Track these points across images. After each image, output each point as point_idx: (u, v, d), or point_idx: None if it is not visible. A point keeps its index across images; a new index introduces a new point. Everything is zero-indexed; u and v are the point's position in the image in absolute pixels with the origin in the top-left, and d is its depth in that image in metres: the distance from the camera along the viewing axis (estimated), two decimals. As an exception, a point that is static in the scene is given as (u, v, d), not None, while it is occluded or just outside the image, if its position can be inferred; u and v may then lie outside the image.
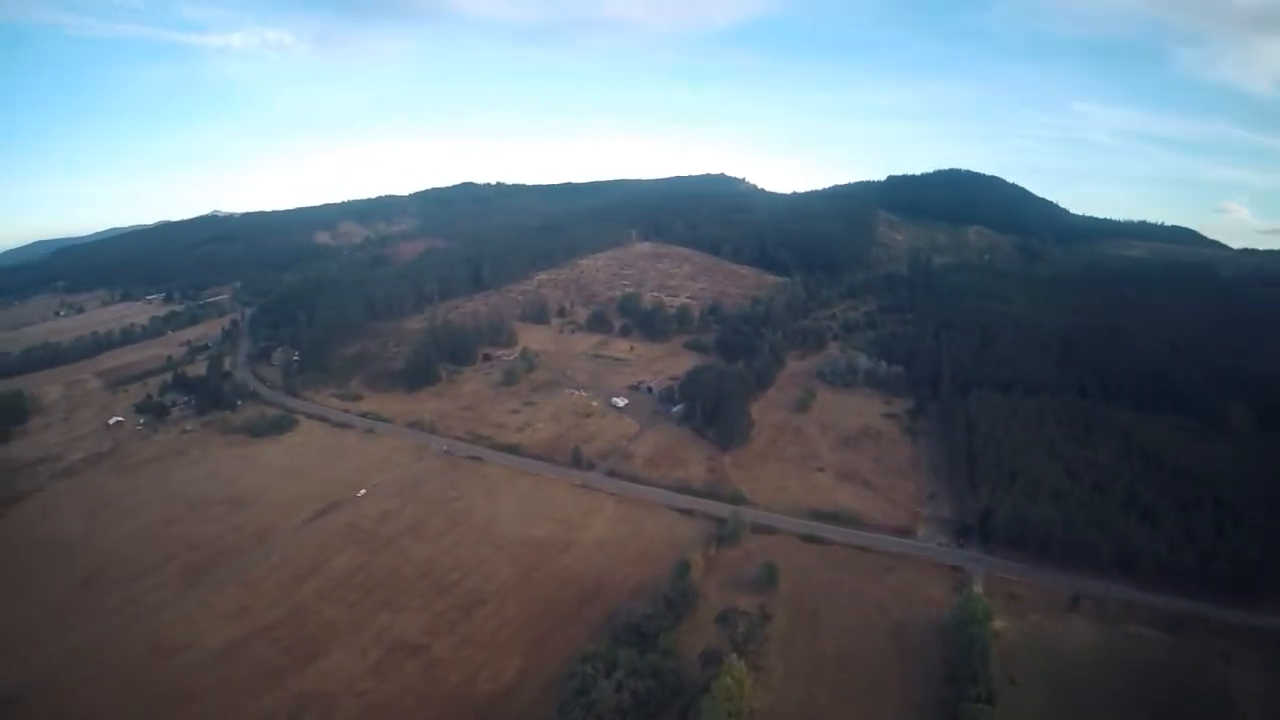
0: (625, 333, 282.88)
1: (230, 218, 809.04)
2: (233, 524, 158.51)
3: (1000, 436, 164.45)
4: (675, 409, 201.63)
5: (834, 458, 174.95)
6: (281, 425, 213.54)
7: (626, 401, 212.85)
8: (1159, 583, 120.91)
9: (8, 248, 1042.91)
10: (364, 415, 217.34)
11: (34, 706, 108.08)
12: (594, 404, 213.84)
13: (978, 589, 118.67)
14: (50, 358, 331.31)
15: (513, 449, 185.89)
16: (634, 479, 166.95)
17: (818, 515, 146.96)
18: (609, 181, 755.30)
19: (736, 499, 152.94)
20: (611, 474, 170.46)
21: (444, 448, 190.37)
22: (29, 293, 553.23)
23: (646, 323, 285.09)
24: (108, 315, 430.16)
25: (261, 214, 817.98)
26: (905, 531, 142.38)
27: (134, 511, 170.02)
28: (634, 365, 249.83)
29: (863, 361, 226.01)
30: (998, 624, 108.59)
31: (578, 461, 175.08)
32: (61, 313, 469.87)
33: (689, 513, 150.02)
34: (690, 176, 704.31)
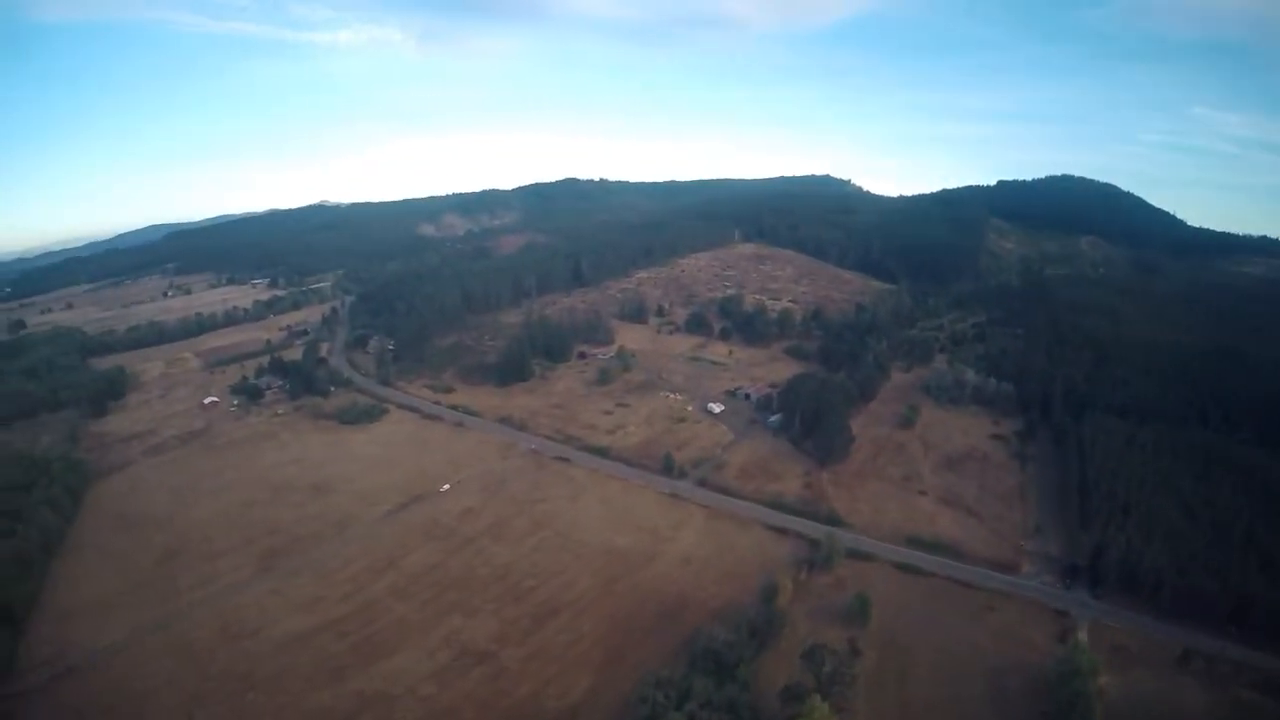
0: (725, 336, 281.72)
1: (338, 208, 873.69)
2: (314, 511, 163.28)
3: (1114, 467, 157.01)
4: (773, 418, 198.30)
5: (936, 480, 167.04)
6: (372, 414, 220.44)
7: (723, 408, 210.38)
8: (1277, 642, 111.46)
9: (124, 230, 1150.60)
10: (454, 408, 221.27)
11: (98, 677, 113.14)
12: (689, 409, 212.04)
13: (1083, 638, 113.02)
14: (155, 336, 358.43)
15: (602, 451, 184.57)
16: (726, 491, 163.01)
17: (916, 542, 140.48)
18: (712, 180, 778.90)
19: (832, 520, 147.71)
20: (703, 484, 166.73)
21: (532, 446, 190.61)
22: (141, 273, 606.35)
23: (747, 326, 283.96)
24: (213, 297, 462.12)
25: (368, 205, 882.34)
26: (1008, 567, 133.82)
27: (219, 492, 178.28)
28: (732, 370, 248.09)
29: (971, 377, 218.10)
30: (1102, 679, 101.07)
31: (669, 469, 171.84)
32: (170, 293, 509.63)
33: (781, 531, 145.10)
34: (794, 177, 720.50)
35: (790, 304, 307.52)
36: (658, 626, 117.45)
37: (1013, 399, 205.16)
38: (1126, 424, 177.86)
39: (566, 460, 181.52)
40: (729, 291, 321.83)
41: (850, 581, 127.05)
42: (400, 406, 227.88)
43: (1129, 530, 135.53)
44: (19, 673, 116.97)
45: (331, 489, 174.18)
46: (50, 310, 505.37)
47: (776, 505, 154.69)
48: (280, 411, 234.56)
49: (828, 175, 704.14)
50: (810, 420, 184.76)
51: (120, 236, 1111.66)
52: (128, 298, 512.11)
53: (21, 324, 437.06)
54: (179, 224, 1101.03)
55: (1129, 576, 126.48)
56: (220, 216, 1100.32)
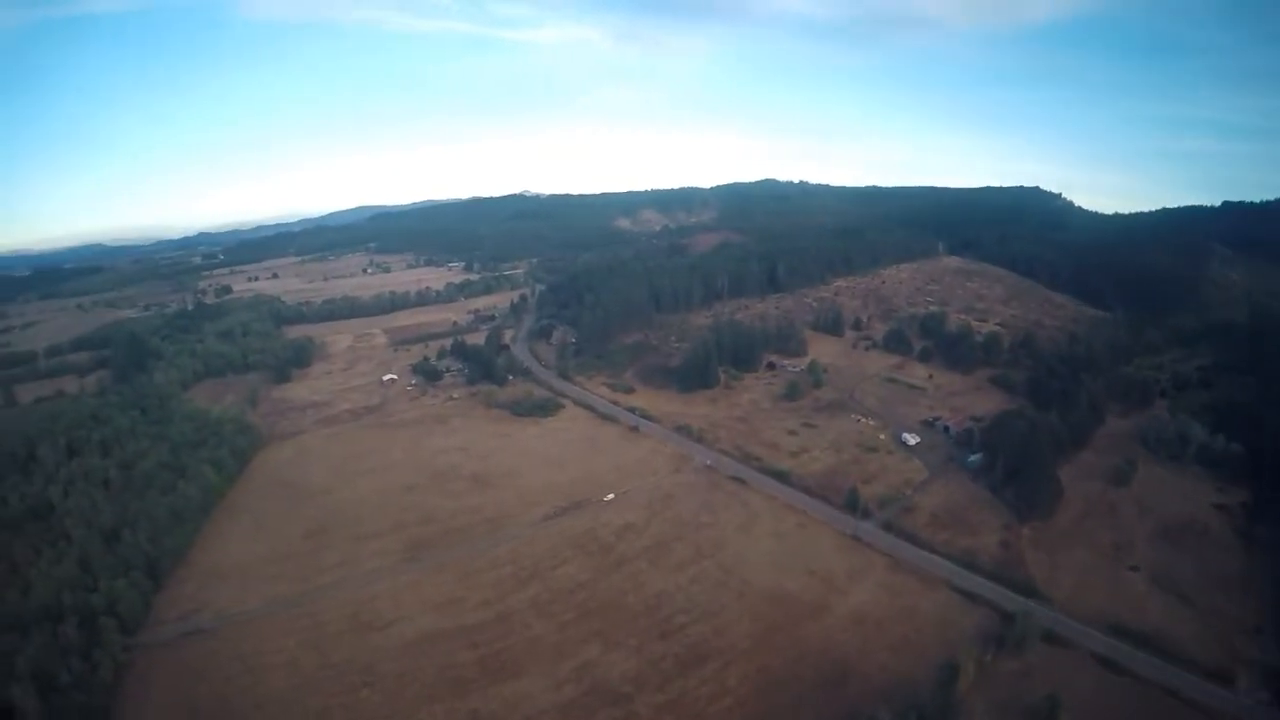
0: (925, 357, 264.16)
1: (537, 198, 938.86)
2: (471, 504, 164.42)
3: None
4: (973, 458, 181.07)
5: (1150, 553, 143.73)
6: (546, 408, 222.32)
7: (918, 439, 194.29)
8: None
9: (334, 210, 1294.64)
10: (631, 410, 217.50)
11: (223, 644, 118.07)
12: (881, 436, 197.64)
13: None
14: (347, 310, 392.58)
15: (782, 476, 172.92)
16: (913, 539, 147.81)
17: (1121, 632, 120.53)
18: (914, 187, 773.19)
19: (1028, 590, 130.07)
20: (888, 528, 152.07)
21: (707, 461, 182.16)
22: (345, 250, 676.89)
23: (950, 348, 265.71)
24: (409, 277, 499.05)
25: (567, 196, 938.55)
26: (1221, 675, 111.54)
27: (381, 471, 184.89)
28: (930, 396, 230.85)
29: (1197, 431, 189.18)
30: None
31: (852, 505, 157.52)
32: (369, 270, 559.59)
33: (970, 597, 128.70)
34: (1001, 187, 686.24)
35: (997, 327, 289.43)
36: (814, 696, 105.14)
37: (1243, 462, 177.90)
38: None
39: (742, 482, 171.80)
40: (932, 308, 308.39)
41: (1041, 672, 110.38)
42: (576, 403, 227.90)
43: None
44: (151, 625, 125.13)
45: (492, 483, 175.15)
46: (256, 279, 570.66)
47: (968, 564, 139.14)
48: (455, 396, 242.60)
49: (1037, 187, 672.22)
50: (1014, 465, 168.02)
51: (330, 215, 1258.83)
52: (329, 272, 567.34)
53: (228, 289, 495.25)
54: (385, 206, 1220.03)
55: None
56: (425, 202, 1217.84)
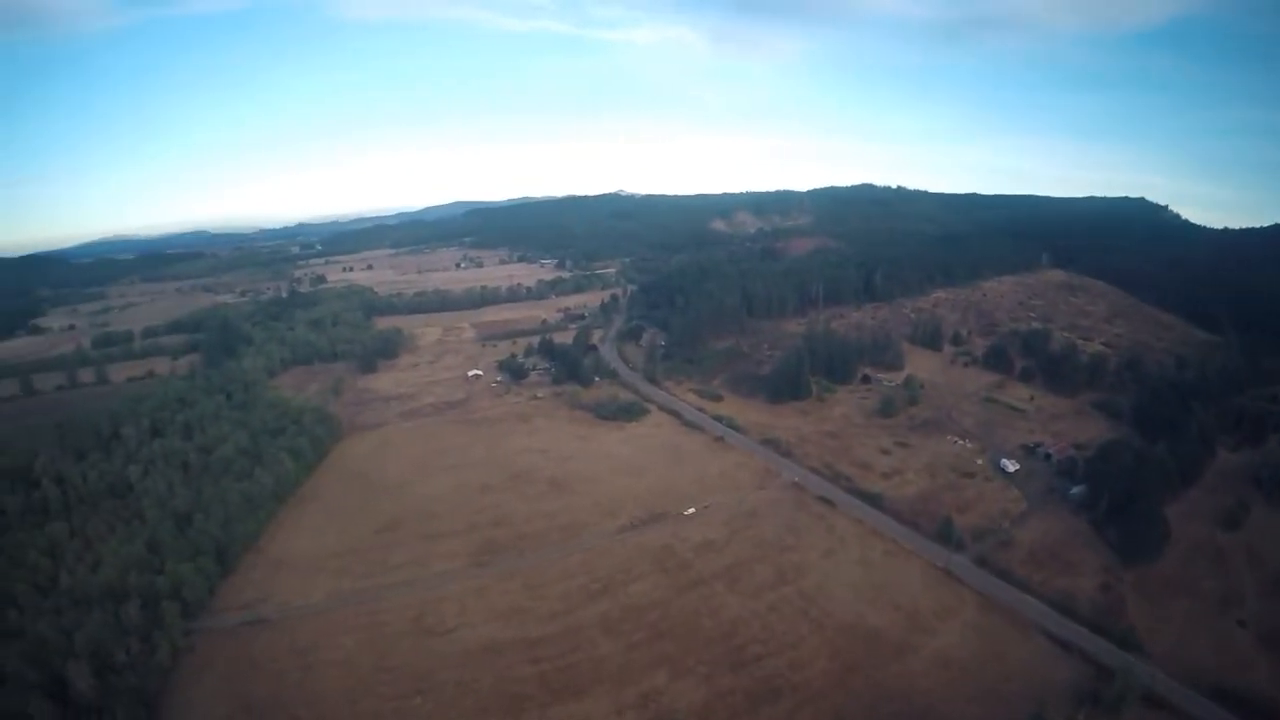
0: (1026, 376, 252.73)
1: (632, 197, 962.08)
2: (547, 509, 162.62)
3: None
4: (1075, 490, 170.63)
5: (1261, 608, 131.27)
6: (631, 412, 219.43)
7: (1017, 467, 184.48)
8: None
9: (431, 204, 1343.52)
10: (718, 419, 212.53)
11: (282, 636, 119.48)
12: (979, 461, 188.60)
13: None
14: (438, 304, 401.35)
15: (873, 499, 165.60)
16: (1007, 576, 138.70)
17: (1224, 696, 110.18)
18: (1015, 196, 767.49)
19: (1128, 641, 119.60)
20: (982, 562, 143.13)
21: (794, 478, 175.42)
22: (440, 244, 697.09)
23: (1053, 368, 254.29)
24: (501, 273, 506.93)
25: (662, 197, 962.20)
26: None
27: (458, 469, 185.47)
28: (1031, 419, 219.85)
29: None
30: None
31: (945, 535, 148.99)
32: (462, 265, 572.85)
33: (1064, 645, 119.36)
34: (1104, 198, 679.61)
35: (1102, 346, 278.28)
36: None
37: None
38: None
39: (830, 503, 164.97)
40: (1034, 324, 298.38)
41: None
42: (661, 408, 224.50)
43: None
44: (214, 610, 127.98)
45: (571, 488, 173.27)
46: (351, 269, 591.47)
47: (1065, 608, 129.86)
48: (539, 395, 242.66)
49: (1142, 198, 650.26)
50: (1119, 501, 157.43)
51: (427, 209, 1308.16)
52: (423, 265, 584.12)
53: (322, 279, 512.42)
54: (482, 202, 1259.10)
55: None
56: (521, 198, 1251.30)
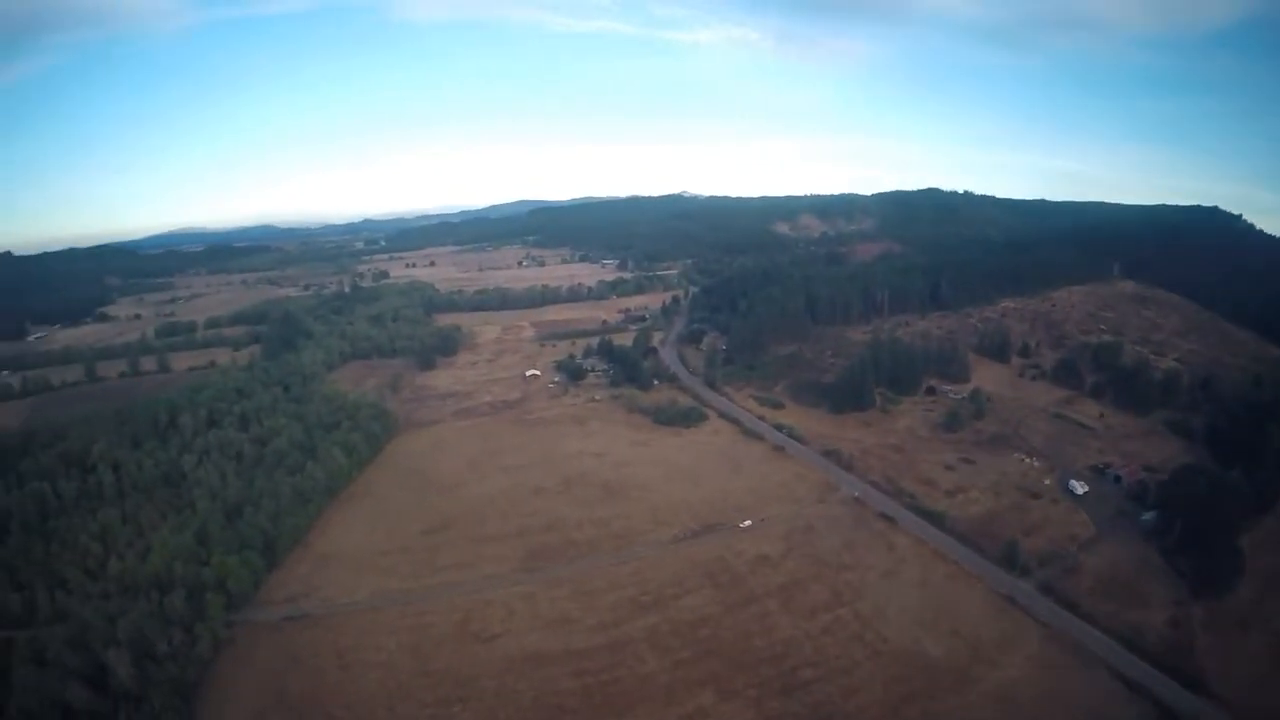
0: (1097, 392, 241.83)
1: (695, 199, 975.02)
2: (599, 516, 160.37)
3: None
4: (1146, 516, 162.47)
5: None
6: (689, 417, 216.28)
7: (1086, 489, 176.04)
8: None
9: (495, 203, 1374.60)
10: (778, 428, 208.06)
11: (324, 634, 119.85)
12: (1046, 481, 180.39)
13: None
14: (498, 302, 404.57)
15: (936, 518, 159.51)
16: (1074, 606, 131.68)
17: None
18: (1084, 202, 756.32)
19: (1196, 683, 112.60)
20: (1047, 590, 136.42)
21: (855, 493, 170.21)
22: (502, 242, 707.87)
23: (1125, 384, 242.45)
24: (562, 272, 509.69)
25: (725, 198, 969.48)
26: None
27: (511, 470, 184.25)
28: (1101, 438, 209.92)
29: None
30: None
31: (1010, 560, 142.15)
32: (524, 263, 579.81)
33: (1130, 684, 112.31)
34: (1175, 206, 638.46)
35: (1175, 362, 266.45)
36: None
37: None
38: None
39: (891, 520, 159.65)
40: (1105, 337, 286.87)
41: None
42: (720, 415, 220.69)
43: None
44: (258, 603, 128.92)
45: (624, 494, 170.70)
46: (414, 265, 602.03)
47: (1131, 643, 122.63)
48: (597, 397, 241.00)
49: (1215, 207, 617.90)
50: (1192, 529, 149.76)
51: (491, 207, 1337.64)
52: (485, 262, 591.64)
53: (385, 274, 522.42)
54: (545, 201, 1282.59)
55: None
56: (584, 198, 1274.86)
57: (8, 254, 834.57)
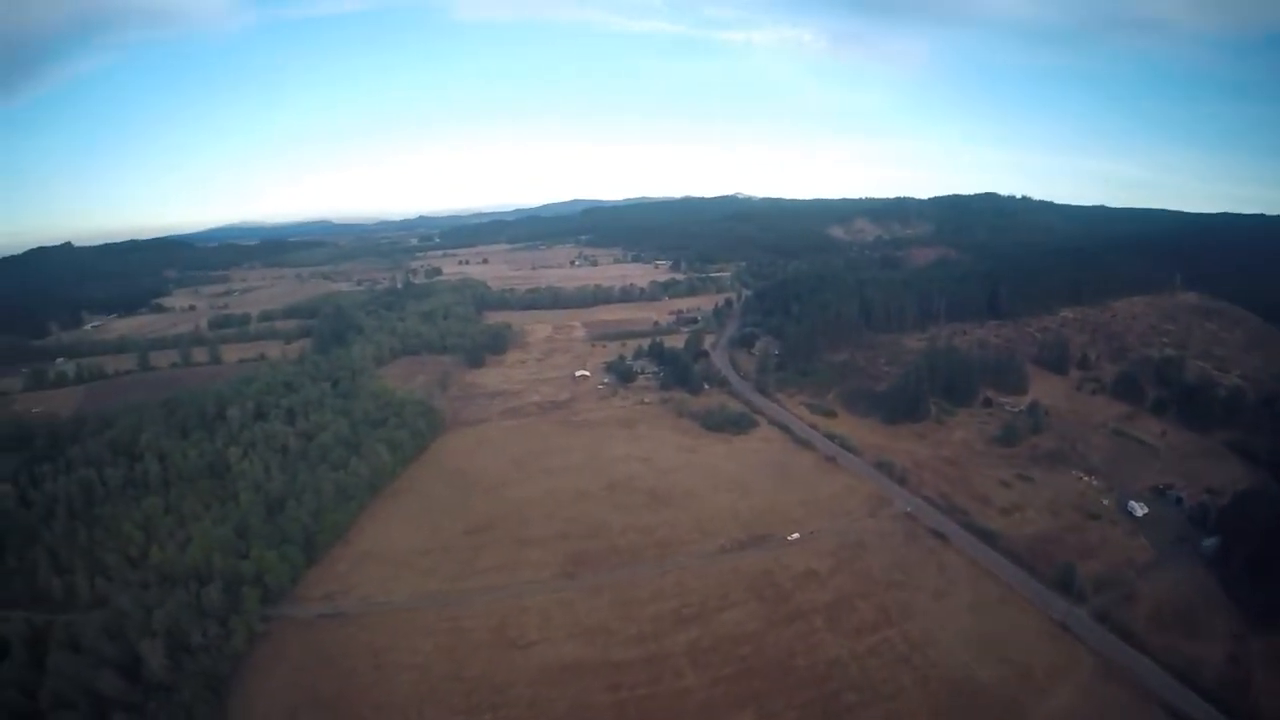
0: (1159, 408, 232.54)
1: (749, 200, 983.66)
2: (643, 522, 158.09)
3: None
4: (1208, 542, 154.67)
5: None
6: (739, 424, 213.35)
7: (1146, 510, 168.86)
8: None
9: (549, 202, 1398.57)
10: (830, 437, 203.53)
11: (359, 633, 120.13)
12: (1105, 501, 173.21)
13: None
14: (550, 300, 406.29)
15: (990, 537, 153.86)
16: (1129, 636, 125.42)
17: None
18: (1144, 209, 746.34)
19: None
20: (1102, 618, 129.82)
21: (908, 508, 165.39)
22: (556, 241, 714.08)
23: (1187, 401, 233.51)
24: (615, 272, 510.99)
25: (779, 200, 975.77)
26: None
27: (556, 473, 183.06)
28: (1163, 457, 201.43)
29: None
30: None
31: (1065, 584, 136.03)
32: (576, 262, 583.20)
33: None
34: (1240, 214, 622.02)
35: (1239, 379, 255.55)
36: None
37: None
38: None
39: (943, 537, 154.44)
40: (1167, 351, 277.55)
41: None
42: (771, 421, 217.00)
43: None
44: (295, 599, 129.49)
45: (670, 501, 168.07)
46: (467, 262, 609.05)
47: (1188, 678, 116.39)
48: (646, 400, 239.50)
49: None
50: (1256, 558, 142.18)
51: (544, 206, 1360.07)
52: (538, 261, 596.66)
53: (438, 271, 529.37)
54: (599, 201, 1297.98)
55: None
56: (638, 198, 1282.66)
57: (68, 245, 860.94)
